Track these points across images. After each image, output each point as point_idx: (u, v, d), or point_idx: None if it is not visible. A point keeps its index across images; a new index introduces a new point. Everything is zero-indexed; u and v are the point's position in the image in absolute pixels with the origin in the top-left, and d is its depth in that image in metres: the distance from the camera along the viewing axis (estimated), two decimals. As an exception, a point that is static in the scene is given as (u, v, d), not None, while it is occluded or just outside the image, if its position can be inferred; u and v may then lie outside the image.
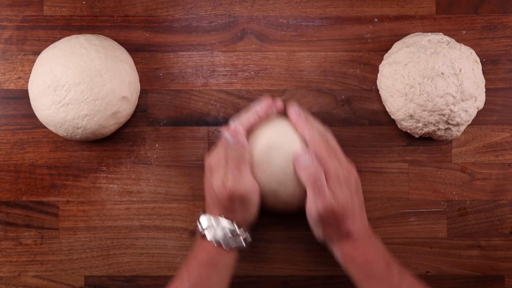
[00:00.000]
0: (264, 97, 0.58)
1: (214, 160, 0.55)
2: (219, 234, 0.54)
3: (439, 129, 0.60)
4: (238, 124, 0.56)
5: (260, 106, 0.57)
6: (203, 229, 0.54)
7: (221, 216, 0.54)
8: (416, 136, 0.61)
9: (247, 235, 0.56)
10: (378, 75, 0.62)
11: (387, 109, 0.62)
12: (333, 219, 0.53)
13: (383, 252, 0.54)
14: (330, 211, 0.52)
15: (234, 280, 0.63)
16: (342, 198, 0.52)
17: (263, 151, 0.55)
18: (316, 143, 0.54)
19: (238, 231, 0.54)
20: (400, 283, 0.52)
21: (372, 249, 0.54)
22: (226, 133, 0.55)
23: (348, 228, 0.53)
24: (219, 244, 0.54)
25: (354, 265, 0.54)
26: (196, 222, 0.55)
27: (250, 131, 0.57)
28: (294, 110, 0.57)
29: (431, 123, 0.59)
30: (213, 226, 0.54)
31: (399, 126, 0.62)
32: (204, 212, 0.56)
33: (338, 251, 0.55)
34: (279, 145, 0.55)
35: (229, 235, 0.54)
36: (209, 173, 0.55)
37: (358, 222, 0.54)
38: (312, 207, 0.53)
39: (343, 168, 0.53)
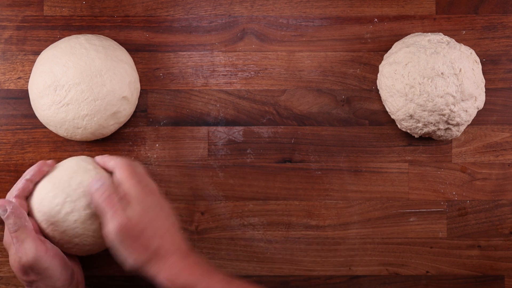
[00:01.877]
0: (36, 163, 0.56)
1: (4, 241, 0.55)
2: None
3: (439, 129, 0.60)
4: (8, 196, 0.54)
5: (29, 171, 0.55)
6: None
7: None
8: (416, 136, 0.61)
9: None
10: (378, 75, 0.62)
11: (387, 109, 0.62)
12: (132, 234, 0.51)
13: (205, 267, 0.52)
14: (125, 225, 0.50)
15: (234, 280, 0.63)
16: (136, 213, 0.51)
17: (45, 208, 0.55)
18: (118, 164, 0.54)
19: None
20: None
21: (194, 267, 0.51)
22: None
23: (153, 244, 0.51)
24: None
25: (176, 285, 0.51)
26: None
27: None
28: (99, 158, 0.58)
29: (431, 123, 0.59)
30: None
31: (399, 126, 0.62)
32: None
33: (153, 272, 0.52)
34: (56, 192, 0.55)
35: None
36: (8, 251, 0.54)
37: (164, 240, 0.52)
38: (109, 226, 0.51)
39: (142, 189, 0.53)
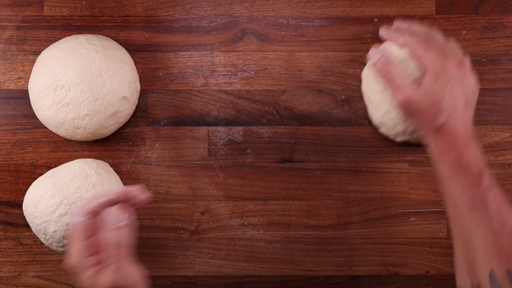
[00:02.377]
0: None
1: (75, 257, 0.45)
2: None
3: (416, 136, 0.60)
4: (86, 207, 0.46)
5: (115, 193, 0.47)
6: None
7: None
8: (397, 141, 0.61)
9: None
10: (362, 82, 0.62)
11: (369, 116, 0.62)
12: (417, 112, 0.52)
13: (477, 158, 0.50)
14: (409, 104, 0.51)
15: (234, 280, 0.63)
16: (430, 91, 0.51)
17: (41, 205, 0.55)
18: (408, 40, 0.53)
19: None
20: (486, 193, 0.48)
21: (467, 152, 0.50)
22: (110, 212, 0.45)
23: (439, 122, 0.51)
24: None
25: (443, 162, 0.51)
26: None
27: None
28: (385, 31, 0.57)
29: (409, 129, 0.59)
30: None
31: (379, 131, 0.62)
32: None
33: (431, 144, 0.52)
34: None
35: None
36: (77, 276, 0.46)
37: (454, 118, 0.51)
38: (394, 100, 0.53)
39: (445, 61, 0.51)
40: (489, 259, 0.47)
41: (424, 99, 0.51)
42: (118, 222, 0.45)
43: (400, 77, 0.52)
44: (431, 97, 0.51)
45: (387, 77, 0.53)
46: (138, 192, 0.46)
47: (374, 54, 0.54)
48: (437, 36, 0.55)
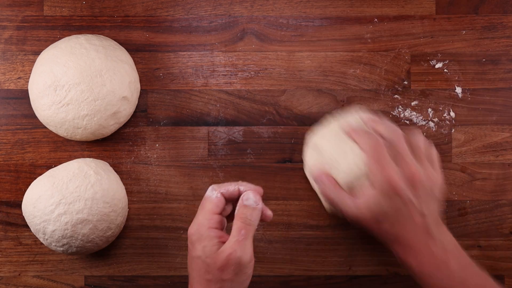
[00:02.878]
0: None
1: (202, 226, 0.49)
2: None
3: None
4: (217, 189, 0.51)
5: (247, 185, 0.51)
6: None
7: None
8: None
9: None
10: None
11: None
12: (364, 224, 0.54)
13: (441, 262, 0.51)
14: (355, 219, 0.54)
15: (234, 280, 0.63)
16: (375, 211, 0.52)
17: (41, 204, 0.57)
18: (367, 145, 0.54)
19: None
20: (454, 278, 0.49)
21: (427, 259, 0.51)
22: (249, 193, 0.49)
23: (390, 238, 0.53)
24: None
25: (407, 268, 0.53)
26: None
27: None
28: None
29: None
30: None
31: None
32: None
33: (393, 251, 0.54)
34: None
35: None
36: (196, 243, 0.48)
37: (409, 230, 0.52)
38: (347, 212, 0.54)
39: (394, 179, 0.52)
40: None
41: (367, 219, 0.53)
42: (255, 203, 0.49)
43: (342, 200, 0.55)
44: (375, 217, 0.52)
45: (333, 202, 0.56)
46: (264, 208, 0.51)
47: (320, 179, 0.57)
48: (400, 140, 0.54)
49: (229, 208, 0.52)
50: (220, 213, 0.50)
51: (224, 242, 0.48)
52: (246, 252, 0.47)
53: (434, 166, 0.54)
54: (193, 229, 0.49)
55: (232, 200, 0.51)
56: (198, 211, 0.50)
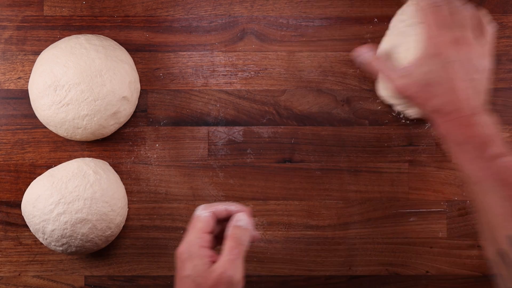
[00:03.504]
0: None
1: (192, 245, 0.47)
2: None
3: None
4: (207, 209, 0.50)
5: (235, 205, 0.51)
6: None
7: None
8: (412, 117, 0.62)
9: None
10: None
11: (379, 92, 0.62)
12: (409, 98, 0.53)
13: (481, 131, 0.50)
14: (399, 92, 0.53)
15: (234, 280, 0.63)
16: (417, 74, 0.52)
17: (40, 204, 0.58)
18: (425, 8, 0.53)
19: None
20: (491, 164, 0.49)
21: (468, 129, 0.50)
22: (242, 214, 0.49)
23: (435, 106, 0.51)
24: None
25: (446, 139, 0.52)
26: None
27: None
28: None
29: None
30: None
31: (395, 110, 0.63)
32: None
33: (434, 121, 0.53)
34: None
35: None
36: (186, 262, 0.47)
37: (451, 101, 0.51)
38: (393, 80, 0.54)
39: (442, 40, 0.51)
40: (505, 225, 0.48)
41: (411, 86, 0.52)
42: (247, 224, 0.49)
43: (387, 67, 0.54)
44: (418, 83, 0.52)
45: (376, 70, 0.55)
46: (252, 230, 0.49)
47: (361, 52, 0.57)
48: (454, 9, 0.53)
49: (217, 228, 0.50)
50: (210, 232, 0.49)
51: (214, 262, 0.47)
52: (237, 271, 0.46)
53: (485, 46, 0.53)
54: (183, 248, 0.48)
55: (220, 221, 0.50)
56: (188, 230, 0.49)
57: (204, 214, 0.49)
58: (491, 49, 0.54)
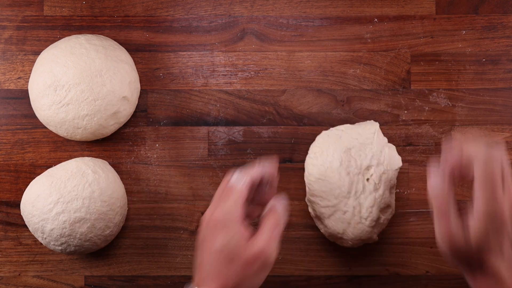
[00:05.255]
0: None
1: (230, 216, 0.45)
2: None
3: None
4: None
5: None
6: None
7: None
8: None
9: None
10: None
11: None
12: (459, 252, 0.45)
13: None
14: (452, 243, 0.45)
15: (234, 280, 0.63)
16: (476, 233, 0.44)
17: (39, 203, 0.57)
18: (488, 166, 0.45)
19: None
20: None
21: None
22: (284, 201, 0.48)
23: (482, 265, 0.45)
24: None
25: None
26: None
27: None
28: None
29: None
30: None
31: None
32: (193, 284, 0.47)
33: (472, 283, 0.47)
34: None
35: None
36: (220, 232, 0.45)
37: (499, 260, 0.45)
38: (437, 235, 0.46)
39: (497, 202, 0.43)
40: None
41: (468, 243, 0.44)
42: (286, 206, 0.48)
43: (448, 208, 0.45)
44: (477, 242, 0.44)
45: (437, 209, 0.46)
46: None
47: (434, 179, 0.46)
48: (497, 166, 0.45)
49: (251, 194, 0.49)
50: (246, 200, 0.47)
51: (250, 236, 0.45)
52: (274, 252, 0.46)
53: None
54: (219, 216, 0.45)
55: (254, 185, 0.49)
56: (221, 197, 0.47)
57: (241, 184, 0.47)
58: None
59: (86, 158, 0.61)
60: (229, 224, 0.45)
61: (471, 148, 0.45)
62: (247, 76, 0.64)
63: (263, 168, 0.49)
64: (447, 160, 0.46)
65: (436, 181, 0.46)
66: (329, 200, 0.58)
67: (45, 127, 0.63)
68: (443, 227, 0.45)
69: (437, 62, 0.64)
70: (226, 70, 0.64)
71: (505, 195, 0.45)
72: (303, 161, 0.63)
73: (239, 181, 0.47)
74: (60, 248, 0.58)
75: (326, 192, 0.58)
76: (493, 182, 0.44)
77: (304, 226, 0.63)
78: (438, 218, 0.45)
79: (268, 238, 0.45)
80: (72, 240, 0.57)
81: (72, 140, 0.63)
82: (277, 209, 0.48)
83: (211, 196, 0.63)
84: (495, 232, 0.44)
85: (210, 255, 0.45)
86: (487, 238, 0.44)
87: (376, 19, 0.64)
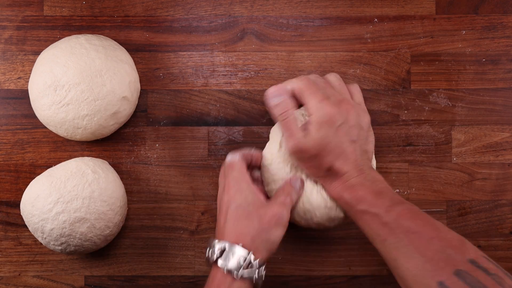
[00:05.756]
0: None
1: (240, 180, 0.54)
2: (233, 262, 0.50)
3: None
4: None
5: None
6: (216, 256, 0.50)
7: (238, 244, 0.50)
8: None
9: (261, 270, 0.51)
10: None
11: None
12: (305, 157, 0.53)
13: (374, 187, 0.52)
14: (299, 149, 0.53)
15: (234, 280, 0.63)
16: (316, 136, 0.52)
17: (39, 203, 0.58)
18: (296, 83, 0.54)
19: (253, 262, 0.50)
20: (387, 215, 0.49)
21: (361, 187, 0.52)
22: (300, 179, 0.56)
23: (328, 166, 0.53)
24: (229, 272, 0.50)
25: (342, 202, 0.53)
26: (207, 248, 0.52)
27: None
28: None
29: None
30: (227, 253, 0.50)
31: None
32: (215, 238, 0.53)
33: (327, 188, 0.54)
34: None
35: (243, 264, 0.50)
36: (236, 194, 0.53)
37: (342, 160, 0.53)
38: (287, 145, 0.54)
39: (328, 105, 0.52)
40: (427, 275, 0.45)
41: (312, 146, 0.52)
42: (300, 187, 0.55)
43: (294, 123, 0.53)
44: (318, 144, 0.52)
45: (283, 122, 0.54)
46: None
47: (274, 95, 0.55)
48: (325, 78, 0.56)
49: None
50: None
51: (264, 199, 0.53)
52: (286, 215, 0.52)
53: (361, 104, 0.56)
54: (231, 183, 0.53)
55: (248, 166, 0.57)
56: (226, 174, 0.55)
57: (236, 158, 0.55)
58: (364, 106, 0.56)
59: (86, 158, 0.61)
60: (241, 186, 0.53)
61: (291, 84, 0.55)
62: (247, 76, 0.64)
63: (249, 151, 0.57)
64: (285, 88, 0.55)
65: (280, 98, 0.54)
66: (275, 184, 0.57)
67: (45, 127, 0.63)
68: (288, 137, 0.53)
69: (437, 62, 0.64)
70: (226, 70, 0.64)
71: (331, 99, 0.53)
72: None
73: (234, 157, 0.55)
74: (60, 248, 0.58)
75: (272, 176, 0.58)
76: (310, 88, 0.53)
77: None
78: (286, 131, 0.53)
79: (281, 202, 0.53)
80: (72, 240, 0.57)
81: (72, 140, 0.63)
82: (291, 182, 0.55)
83: (211, 196, 0.63)
84: (330, 133, 0.52)
85: (228, 213, 0.52)
86: (326, 141, 0.52)
87: (376, 19, 0.64)
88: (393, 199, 0.50)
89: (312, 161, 0.53)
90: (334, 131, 0.52)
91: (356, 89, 0.57)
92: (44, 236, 0.58)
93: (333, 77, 0.56)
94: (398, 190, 0.63)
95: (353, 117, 0.53)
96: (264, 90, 0.64)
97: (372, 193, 0.51)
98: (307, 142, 0.52)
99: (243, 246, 0.50)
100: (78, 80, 0.58)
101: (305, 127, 0.53)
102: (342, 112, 0.53)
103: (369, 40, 0.64)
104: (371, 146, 0.56)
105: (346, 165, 0.53)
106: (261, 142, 0.63)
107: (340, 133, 0.53)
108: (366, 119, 0.55)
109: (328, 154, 0.52)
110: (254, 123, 0.64)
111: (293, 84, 0.54)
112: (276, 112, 0.54)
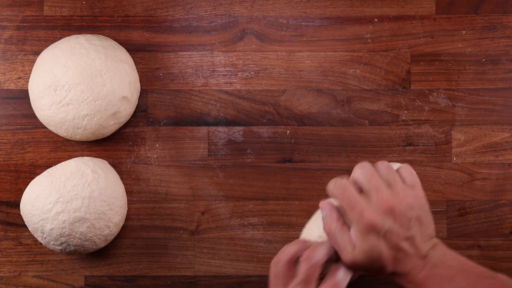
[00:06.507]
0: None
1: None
2: None
3: None
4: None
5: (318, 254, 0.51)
6: None
7: None
8: None
9: None
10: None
11: None
12: (364, 268, 0.49)
13: (445, 273, 0.48)
14: (353, 263, 0.48)
15: (234, 280, 0.63)
16: (365, 248, 0.47)
17: (39, 203, 0.58)
18: (335, 192, 0.50)
19: None
20: None
21: (432, 279, 0.48)
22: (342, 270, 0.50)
23: (390, 272, 0.49)
24: None
25: None
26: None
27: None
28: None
29: None
30: None
31: None
32: None
33: (399, 284, 0.50)
34: None
35: None
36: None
37: (402, 262, 0.48)
38: (342, 260, 0.49)
39: (367, 214, 0.47)
40: None
41: (363, 259, 0.48)
42: (344, 270, 0.50)
43: (339, 237, 0.49)
44: (368, 256, 0.48)
45: (329, 237, 0.50)
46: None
47: (322, 208, 0.51)
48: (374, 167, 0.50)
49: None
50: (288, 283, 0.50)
51: None
52: None
53: (411, 187, 0.50)
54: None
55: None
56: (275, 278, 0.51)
57: (278, 266, 0.51)
58: (419, 187, 0.51)
59: (86, 157, 0.61)
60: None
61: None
62: (247, 76, 0.64)
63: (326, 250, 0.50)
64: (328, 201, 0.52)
65: (324, 212, 0.51)
66: None
67: (45, 127, 0.63)
68: (341, 253, 0.49)
69: (437, 62, 0.64)
70: (226, 70, 0.64)
71: (371, 203, 0.48)
72: (303, 161, 0.63)
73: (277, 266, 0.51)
74: (59, 248, 0.58)
75: None
76: (346, 197, 0.49)
77: (304, 226, 0.63)
78: (335, 246, 0.49)
79: None
80: (71, 240, 0.57)
81: (72, 140, 0.63)
82: (337, 275, 0.50)
83: (211, 196, 0.63)
84: (373, 236, 0.47)
85: None
86: (377, 251, 0.47)
87: (376, 19, 0.64)
88: (479, 274, 0.48)
89: (371, 270, 0.49)
90: (383, 237, 0.47)
91: (406, 171, 0.51)
92: (44, 236, 0.58)
93: (380, 165, 0.51)
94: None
95: (401, 212, 0.48)
96: (264, 90, 0.64)
97: (446, 279, 0.48)
98: (357, 255, 0.48)
99: None
100: (78, 80, 0.58)
101: (351, 238, 0.49)
102: (386, 213, 0.47)
103: (369, 40, 0.64)
104: (428, 219, 0.50)
105: (408, 264, 0.48)
106: (261, 142, 0.64)
107: (390, 237, 0.47)
108: (417, 202, 0.49)
109: (385, 261, 0.48)
110: (254, 123, 0.64)
111: (333, 194, 0.50)
112: (323, 226, 0.50)
